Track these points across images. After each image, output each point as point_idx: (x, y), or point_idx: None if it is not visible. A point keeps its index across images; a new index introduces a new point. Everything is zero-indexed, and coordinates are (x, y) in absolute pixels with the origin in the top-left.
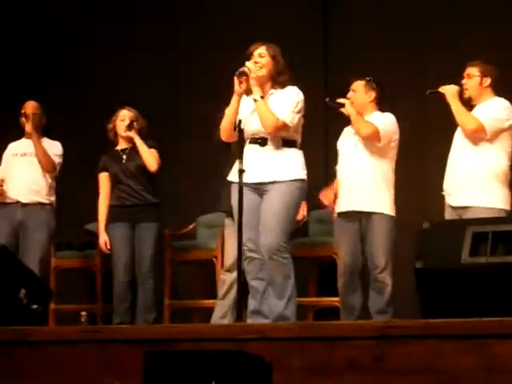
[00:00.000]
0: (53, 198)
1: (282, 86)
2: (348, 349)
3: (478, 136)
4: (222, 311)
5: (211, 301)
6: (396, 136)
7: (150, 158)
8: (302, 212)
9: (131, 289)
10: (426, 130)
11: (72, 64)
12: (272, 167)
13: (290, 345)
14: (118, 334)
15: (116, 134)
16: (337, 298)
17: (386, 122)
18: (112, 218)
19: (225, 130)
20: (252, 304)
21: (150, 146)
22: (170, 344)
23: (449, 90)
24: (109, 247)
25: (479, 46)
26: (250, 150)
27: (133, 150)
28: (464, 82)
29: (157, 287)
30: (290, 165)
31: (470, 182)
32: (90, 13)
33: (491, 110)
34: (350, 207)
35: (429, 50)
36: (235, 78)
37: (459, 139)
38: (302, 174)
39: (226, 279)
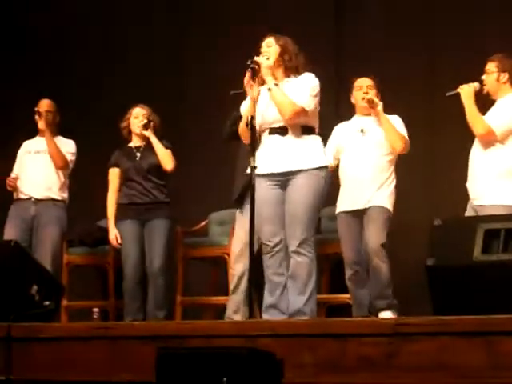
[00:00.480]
0: (65, 195)
1: (296, 72)
2: (360, 346)
3: (488, 139)
4: (234, 306)
5: (223, 297)
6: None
7: (167, 157)
8: None
9: (142, 286)
10: (436, 128)
11: (85, 64)
12: (296, 155)
13: (301, 341)
14: (130, 330)
15: (130, 132)
16: (348, 295)
17: (402, 127)
18: (121, 215)
19: (244, 132)
20: (269, 299)
21: (165, 147)
22: (182, 341)
23: (464, 90)
24: (119, 242)
25: (492, 44)
26: (270, 140)
27: (147, 148)
28: (483, 77)
29: (168, 284)
30: (314, 152)
31: (486, 180)
32: (106, 14)
33: (505, 108)
34: (355, 206)
35: (441, 47)
36: (247, 73)
37: (477, 140)
38: (326, 160)
39: (235, 273)
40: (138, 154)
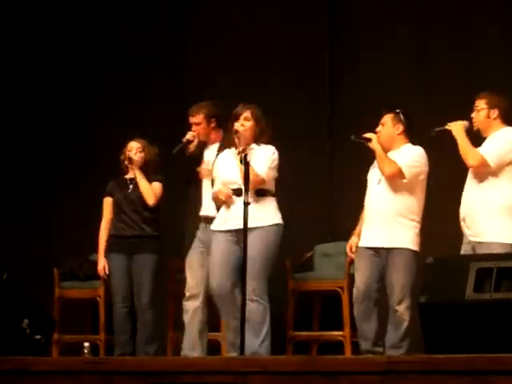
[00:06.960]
0: None
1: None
2: (351, 383)
3: (481, 170)
4: (190, 343)
5: (216, 333)
6: (425, 169)
7: (149, 192)
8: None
9: (131, 320)
10: (438, 163)
11: (79, 98)
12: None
13: (292, 379)
14: (121, 365)
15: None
16: (341, 332)
17: (413, 158)
18: (110, 248)
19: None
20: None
21: (152, 180)
22: (173, 376)
23: (454, 126)
24: (107, 273)
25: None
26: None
27: None
28: (472, 115)
29: (158, 319)
30: (267, 211)
31: (485, 217)
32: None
33: (498, 140)
34: (372, 243)
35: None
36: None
37: (471, 174)
38: (278, 218)
39: (188, 309)
40: (131, 186)
